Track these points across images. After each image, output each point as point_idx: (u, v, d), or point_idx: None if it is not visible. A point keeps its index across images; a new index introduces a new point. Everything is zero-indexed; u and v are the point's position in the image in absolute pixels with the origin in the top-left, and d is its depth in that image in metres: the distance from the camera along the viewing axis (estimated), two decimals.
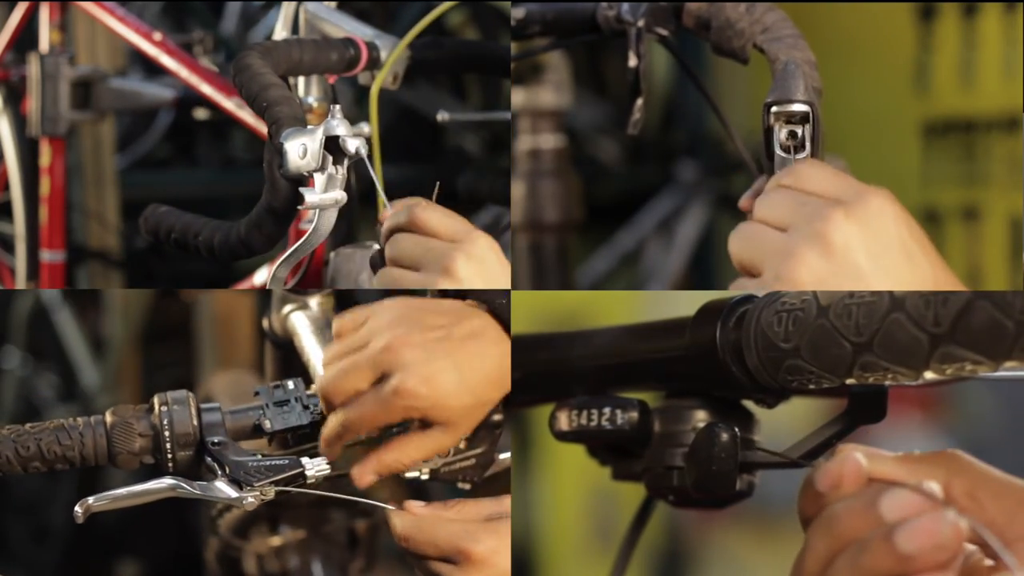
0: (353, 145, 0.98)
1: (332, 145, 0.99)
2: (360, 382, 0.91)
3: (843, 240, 0.78)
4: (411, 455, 0.93)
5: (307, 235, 1.02)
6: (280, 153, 1.00)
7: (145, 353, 2.67)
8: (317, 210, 1.01)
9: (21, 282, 1.82)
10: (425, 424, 0.92)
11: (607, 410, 0.82)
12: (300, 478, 0.92)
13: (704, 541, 2.45)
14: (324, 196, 0.99)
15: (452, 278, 0.93)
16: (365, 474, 0.93)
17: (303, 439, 0.97)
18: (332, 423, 0.93)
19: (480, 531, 0.89)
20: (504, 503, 0.91)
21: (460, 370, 0.90)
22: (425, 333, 0.91)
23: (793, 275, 0.79)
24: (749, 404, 0.82)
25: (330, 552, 1.33)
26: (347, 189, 1.02)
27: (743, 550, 2.40)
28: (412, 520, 0.91)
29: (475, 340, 0.92)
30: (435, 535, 0.89)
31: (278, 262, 1.04)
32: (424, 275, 0.95)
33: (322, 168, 0.99)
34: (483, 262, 0.94)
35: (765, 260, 0.82)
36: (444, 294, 0.96)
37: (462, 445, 0.98)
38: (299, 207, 1.00)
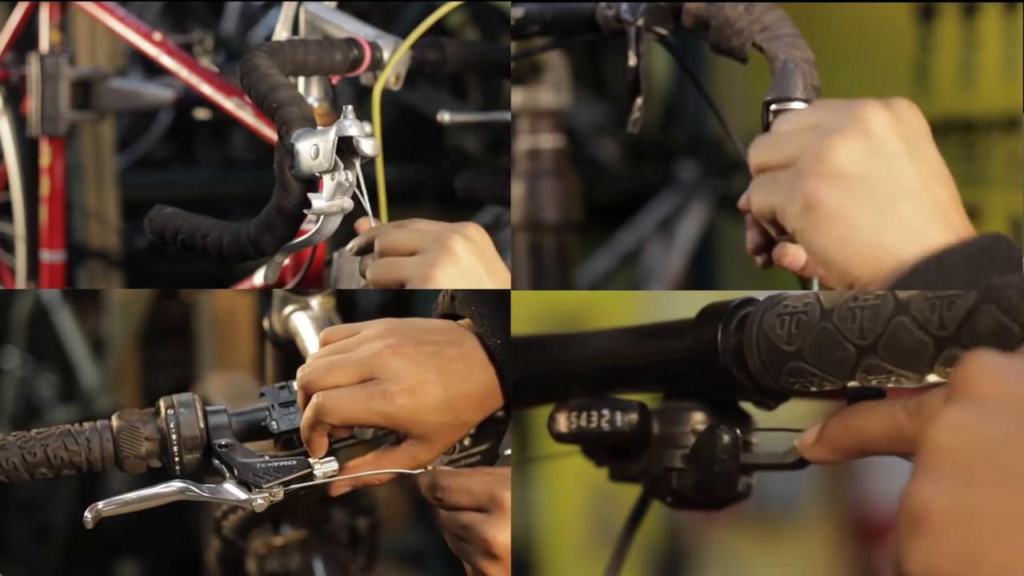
0: (367, 146, 0.98)
1: (344, 146, 0.98)
2: (343, 379, 0.90)
3: (877, 123, 0.74)
4: (386, 469, 0.92)
5: (308, 235, 1.02)
6: (291, 154, 0.99)
7: (145, 353, 2.67)
8: (322, 215, 1.01)
9: (21, 282, 1.82)
10: (400, 438, 0.91)
11: (606, 412, 0.82)
12: (309, 478, 0.92)
13: (704, 541, 2.44)
14: (332, 203, 0.99)
15: (451, 255, 0.93)
16: (339, 487, 0.92)
17: None
18: (307, 410, 0.91)
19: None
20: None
21: (446, 387, 0.90)
22: (418, 347, 0.91)
23: (831, 154, 0.72)
24: (747, 406, 0.82)
25: (331, 551, 1.33)
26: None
27: (743, 550, 2.39)
28: (447, 470, 0.91)
29: (463, 361, 0.91)
30: (470, 483, 0.89)
31: (275, 254, 1.04)
32: (422, 256, 0.94)
33: (334, 169, 0.98)
34: (477, 243, 0.95)
35: (801, 155, 0.74)
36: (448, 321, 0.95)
37: (467, 442, 0.98)
38: (305, 211, 0.99)
